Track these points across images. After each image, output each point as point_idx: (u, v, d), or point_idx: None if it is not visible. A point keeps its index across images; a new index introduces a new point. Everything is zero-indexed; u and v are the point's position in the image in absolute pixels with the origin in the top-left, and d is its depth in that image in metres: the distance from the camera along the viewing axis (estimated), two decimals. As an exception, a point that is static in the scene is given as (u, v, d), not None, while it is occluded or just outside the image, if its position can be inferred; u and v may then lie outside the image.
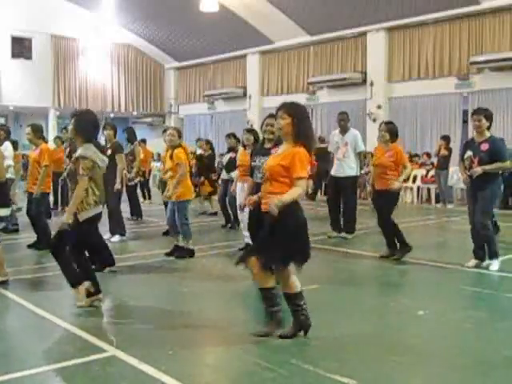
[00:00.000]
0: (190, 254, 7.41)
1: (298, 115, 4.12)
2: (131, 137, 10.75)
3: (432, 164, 15.09)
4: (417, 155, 15.87)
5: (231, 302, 5.45)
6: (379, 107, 16.81)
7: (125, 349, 3.98)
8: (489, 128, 6.47)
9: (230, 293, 5.76)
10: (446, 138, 13.68)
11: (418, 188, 15.04)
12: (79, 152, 5.04)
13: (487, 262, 6.54)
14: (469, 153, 6.50)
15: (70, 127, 5.24)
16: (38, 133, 7.88)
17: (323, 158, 15.64)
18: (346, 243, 8.54)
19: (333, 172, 9.15)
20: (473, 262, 6.60)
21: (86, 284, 5.09)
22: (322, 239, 8.83)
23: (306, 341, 4.18)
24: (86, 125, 5.18)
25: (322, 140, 16.33)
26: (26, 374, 3.61)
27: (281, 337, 4.18)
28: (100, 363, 3.79)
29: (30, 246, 8.03)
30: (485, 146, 6.36)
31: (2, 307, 5.31)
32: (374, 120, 15.92)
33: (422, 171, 15.02)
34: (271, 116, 5.15)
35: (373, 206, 7.84)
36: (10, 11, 20.15)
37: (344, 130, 9.03)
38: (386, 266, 7.00)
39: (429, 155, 15.35)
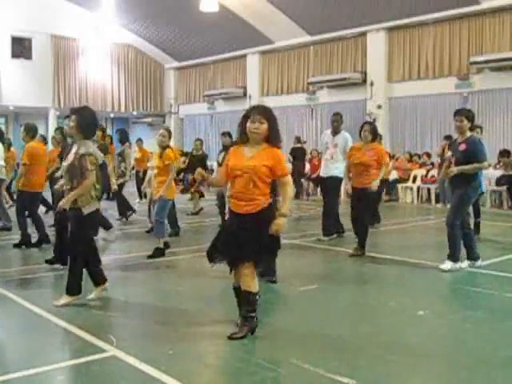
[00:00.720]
0: (162, 253, 7.37)
1: (272, 119, 4.20)
2: (123, 137, 10.81)
3: (432, 164, 15.08)
4: (417, 155, 15.87)
5: (231, 302, 5.44)
6: (379, 107, 16.80)
7: (125, 349, 3.98)
8: (470, 129, 6.55)
9: (229, 292, 5.74)
10: (449, 138, 13.63)
11: (418, 188, 15.03)
12: (84, 149, 5.08)
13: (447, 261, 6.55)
14: (449, 153, 6.61)
15: (71, 124, 5.19)
16: (31, 132, 8.05)
17: (299, 157, 15.76)
18: (345, 243, 8.51)
19: (321, 173, 9.24)
20: (466, 263, 6.64)
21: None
22: (318, 239, 8.81)
23: (306, 341, 4.18)
24: (87, 121, 5.20)
25: (298, 140, 16.38)
26: (25, 374, 3.61)
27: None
28: (100, 363, 3.79)
29: (35, 245, 8.07)
30: (462, 147, 6.43)
31: (2, 307, 5.31)
32: (374, 120, 15.90)
33: (422, 171, 15.01)
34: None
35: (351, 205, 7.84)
36: (10, 11, 20.13)
37: (335, 132, 9.03)
38: (386, 266, 7.00)
39: (429, 155, 15.35)
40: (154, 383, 3.48)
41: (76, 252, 5.13)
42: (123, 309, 5.25)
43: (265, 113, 4.18)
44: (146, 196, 14.05)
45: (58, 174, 6.95)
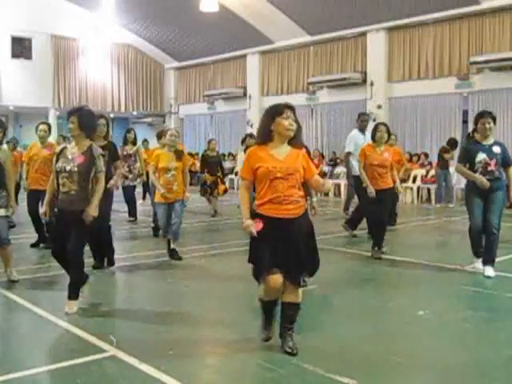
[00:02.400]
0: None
1: (297, 118, 4.11)
2: (135, 137, 10.83)
3: (430, 164, 15.09)
4: (416, 155, 15.87)
5: (231, 302, 5.45)
6: (379, 107, 16.81)
7: (125, 349, 3.98)
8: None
9: (229, 293, 5.76)
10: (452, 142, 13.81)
11: (418, 188, 15.04)
12: (99, 150, 5.02)
13: (484, 266, 6.40)
14: (482, 155, 6.34)
15: (72, 126, 4.93)
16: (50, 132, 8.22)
17: None
18: (345, 243, 8.52)
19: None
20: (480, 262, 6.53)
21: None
22: (320, 239, 8.80)
23: (306, 341, 4.18)
24: (89, 121, 5.07)
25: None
26: (25, 373, 3.61)
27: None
28: (100, 363, 3.79)
29: (33, 245, 8.08)
30: (497, 149, 6.39)
31: (2, 307, 5.31)
32: (374, 120, 15.90)
33: (422, 171, 15.01)
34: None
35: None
36: (10, 11, 20.15)
37: (364, 131, 9.17)
38: (386, 267, 7.00)
39: (426, 155, 15.41)
40: (154, 383, 3.48)
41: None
42: (123, 309, 5.25)
43: (294, 111, 4.04)
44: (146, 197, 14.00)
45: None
